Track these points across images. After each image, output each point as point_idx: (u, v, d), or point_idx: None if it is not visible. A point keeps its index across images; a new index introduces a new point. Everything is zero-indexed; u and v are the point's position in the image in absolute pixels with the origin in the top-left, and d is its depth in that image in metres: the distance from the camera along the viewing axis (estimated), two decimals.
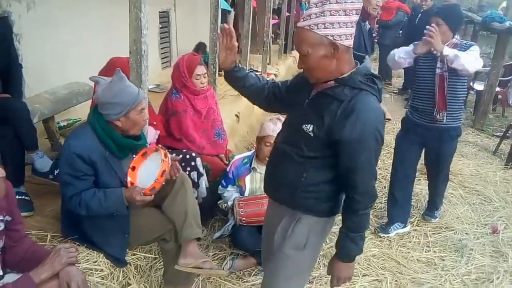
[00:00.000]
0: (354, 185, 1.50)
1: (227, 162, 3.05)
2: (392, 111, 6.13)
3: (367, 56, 1.54)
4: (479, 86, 6.73)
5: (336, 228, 1.75)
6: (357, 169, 1.46)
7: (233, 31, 1.62)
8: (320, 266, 2.71)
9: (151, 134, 2.61)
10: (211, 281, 2.52)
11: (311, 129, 1.49)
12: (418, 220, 3.43)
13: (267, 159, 1.84)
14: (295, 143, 1.56)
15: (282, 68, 7.74)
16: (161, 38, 5.84)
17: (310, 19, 1.38)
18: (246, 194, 2.70)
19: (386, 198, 3.34)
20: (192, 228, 2.04)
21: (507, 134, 5.18)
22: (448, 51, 2.59)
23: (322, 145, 1.49)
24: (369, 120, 1.42)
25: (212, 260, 2.54)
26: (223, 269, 2.46)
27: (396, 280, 2.71)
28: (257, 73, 6.40)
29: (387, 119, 4.74)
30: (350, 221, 1.56)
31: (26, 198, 2.38)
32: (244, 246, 2.64)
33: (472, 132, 5.88)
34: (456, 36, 2.77)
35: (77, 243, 2.01)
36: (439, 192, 3.31)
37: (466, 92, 2.90)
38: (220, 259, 2.73)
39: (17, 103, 2.42)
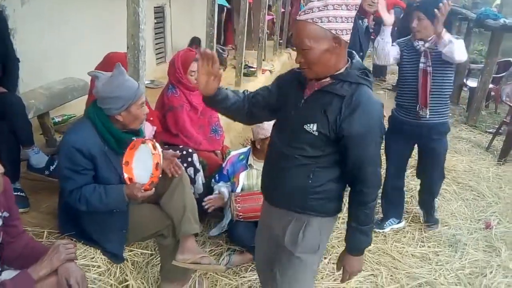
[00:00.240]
0: (363, 178, 1.49)
1: (223, 158, 3.04)
2: (386, 108, 6.04)
3: (353, 51, 1.53)
4: (472, 83, 6.80)
5: None
6: (366, 161, 1.47)
7: (215, 56, 1.45)
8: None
9: (148, 130, 2.60)
10: (208, 277, 2.53)
11: (314, 128, 1.46)
12: (412, 216, 3.45)
13: None
14: (296, 145, 1.52)
15: (277, 64, 7.73)
16: (155, 34, 5.75)
17: (312, 12, 1.36)
18: (238, 190, 2.70)
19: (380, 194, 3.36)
20: (190, 224, 2.04)
21: (500, 131, 5.23)
22: (446, 35, 2.55)
23: (327, 143, 1.48)
24: (374, 112, 1.45)
25: None
26: (220, 264, 2.47)
27: (391, 275, 2.74)
28: (251, 69, 6.42)
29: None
30: (361, 215, 1.55)
31: (21, 194, 2.36)
32: (241, 241, 2.64)
33: (466, 128, 5.94)
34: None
35: (74, 239, 1.99)
36: (433, 191, 3.24)
37: (452, 88, 2.88)
38: (217, 255, 2.74)
39: (12, 98, 2.39)
